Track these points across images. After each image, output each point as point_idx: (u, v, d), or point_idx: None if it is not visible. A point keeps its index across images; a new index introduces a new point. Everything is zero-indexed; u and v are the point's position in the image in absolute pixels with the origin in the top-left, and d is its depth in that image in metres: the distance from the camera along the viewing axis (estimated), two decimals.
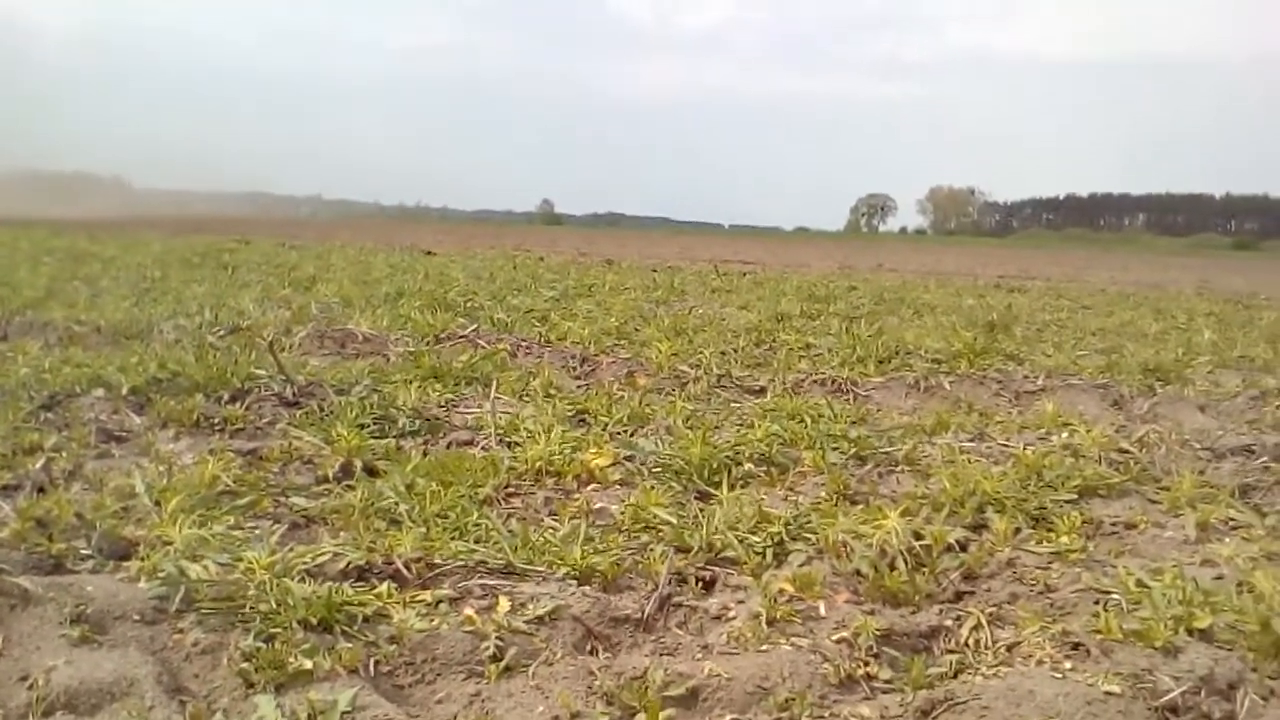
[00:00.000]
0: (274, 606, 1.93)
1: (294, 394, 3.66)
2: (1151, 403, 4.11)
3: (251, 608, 1.93)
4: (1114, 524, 2.66)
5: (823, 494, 2.85)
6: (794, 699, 1.77)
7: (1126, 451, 3.24)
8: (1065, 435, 3.48)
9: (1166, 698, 1.76)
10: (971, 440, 3.45)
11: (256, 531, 2.41)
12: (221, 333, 4.86)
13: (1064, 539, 2.50)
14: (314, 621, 1.91)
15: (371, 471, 2.93)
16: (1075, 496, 2.81)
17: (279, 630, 1.86)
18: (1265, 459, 3.21)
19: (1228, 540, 2.52)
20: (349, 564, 2.22)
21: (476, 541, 2.36)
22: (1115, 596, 2.14)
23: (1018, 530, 2.56)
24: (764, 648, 1.95)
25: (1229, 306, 8.45)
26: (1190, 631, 1.96)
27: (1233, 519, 2.66)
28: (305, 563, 2.19)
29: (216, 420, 3.38)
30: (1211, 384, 4.47)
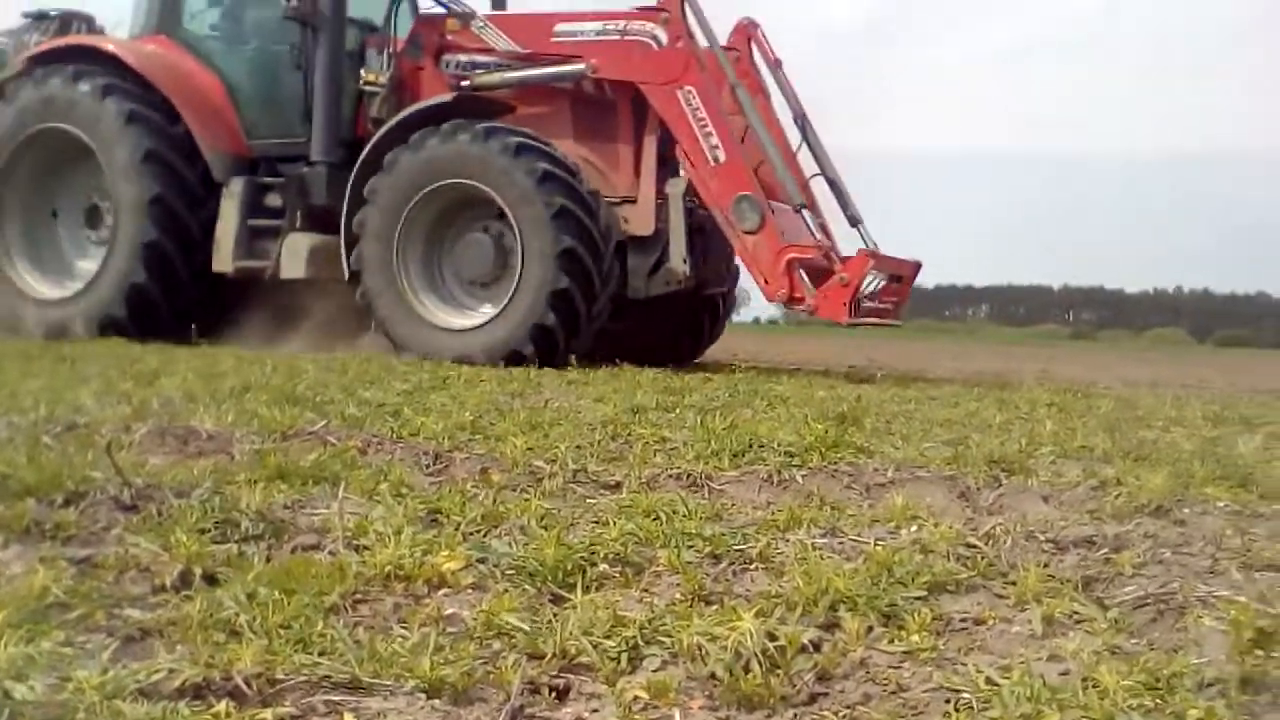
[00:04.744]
0: None
1: (131, 497, 3.50)
2: (997, 494, 4.19)
3: None
4: (963, 620, 2.69)
5: (678, 595, 2.82)
6: None
7: (974, 546, 3.29)
8: (914, 529, 3.52)
9: None
10: (824, 536, 3.47)
11: (88, 647, 2.29)
12: (56, 431, 4.65)
13: (915, 637, 2.52)
14: None
15: (211, 580, 2.81)
16: (925, 593, 2.83)
17: None
18: (1106, 550, 3.29)
19: (1072, 634, 2.57)
20: (185, 681, 2.10)
21: (321, 653, 2.27)
22: (966, 695, 2.15)
23: (870, 629, 2.57)
24: None
25: (1068, 396, 8.73)
26: None
27: (1077, 612, 2.71)
28: (139, 681, 2.07)
29: (48, 526, 3.20)
30: (1054, 474, 4.58)
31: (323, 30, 10.99)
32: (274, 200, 11.37)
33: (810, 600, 2.70)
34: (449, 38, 11.21)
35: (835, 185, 11.33)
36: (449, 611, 2.63)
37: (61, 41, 12.22)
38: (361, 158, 10.62)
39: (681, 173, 10.91)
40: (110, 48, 11.67)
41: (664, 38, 10.37)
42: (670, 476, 4.33)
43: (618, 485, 4.18)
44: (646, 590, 2.89)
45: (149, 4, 12.07)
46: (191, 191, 11.26)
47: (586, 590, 2.79)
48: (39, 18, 13.27)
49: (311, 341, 11.17)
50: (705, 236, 10.95)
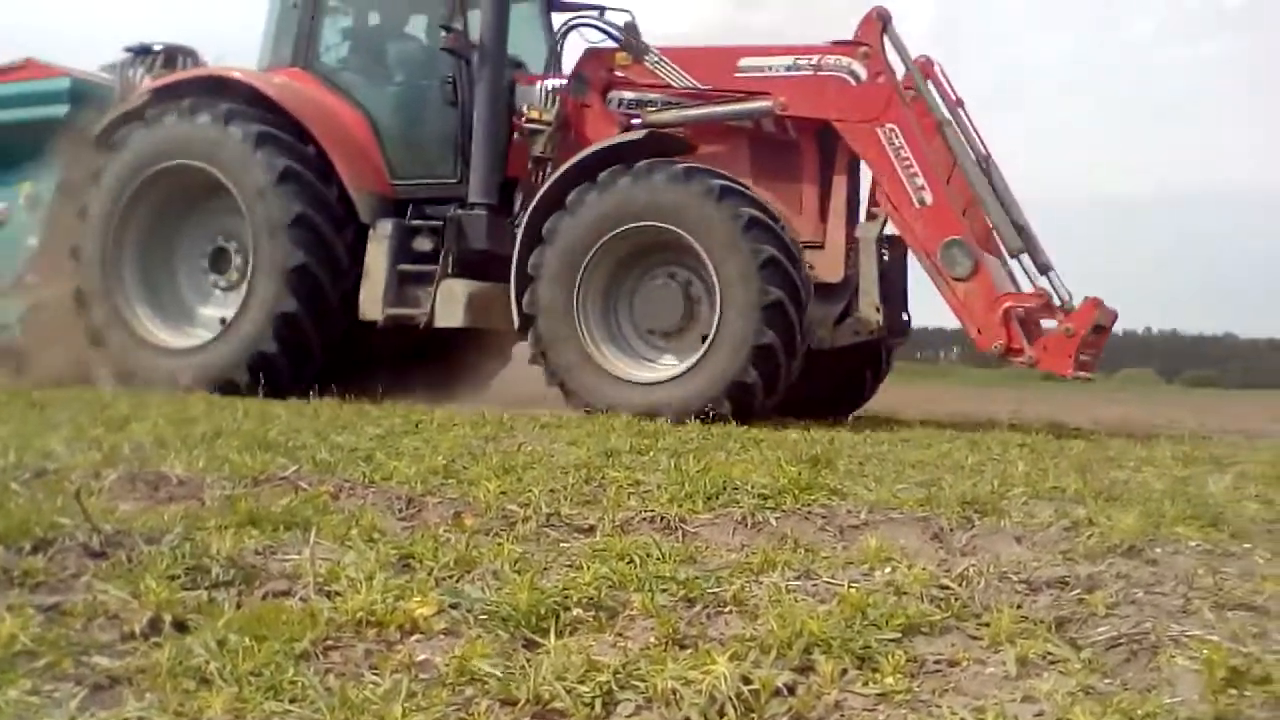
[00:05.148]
0: None
1: (100, 544, 3.47)
2: (970, 535, 4.20)
3: None
4: (937, 661, 2.69)
5: (652, 639, 2.81)
6: None
7: (947, 587, 3.30)
8: (888, 571, 3.53)
9: None
10: (798, 578, 3.47)
11: (56, 695, 2.26)
12: (25, 477, 4.61)
13: (889, 679, 2.52)
14: None
15: (181, 627, 2.78)
16: (899, 635, 2.83)
17: None
18: (1079, 591, 3.30)
19: (1046, 675, 2.57)
20: None
21: (292, 701, 2.25)
22: None
23: (844, 671, 2.57)
24: None
25: (1040, 437, 8.76)
26: None
27: (1050, 653, 2.72)
28: None
29: (16, 573, 3.17)
30: (1027, 515, 4.59)
31: (482, 65, 10.12)
32: (423, 244, 10.48)
33: (785, 643, 2.70)
34: (618, 73, 10.55)
35: (1024, 230, 10.38)
36: (421, 658, 2.61)
37: (204, 71, 11.40)
38: (539, 197, 9.83)
39: (863, 215, 10.26)
40: (255, 83, 10.80)
41: (863, 73, 9.76)
42: (644, 520, 4.32)
43: (591, 529, 4.17)
44: (620, 634, 2.88)
45: (278, 35, 11.29)
46: (337, 260, 10.41)
47: (560, 635, 2.78)
48: (141, 52, 12.34)
49: (433, 394, 10.30)
50: (885, 283, 10.23)
